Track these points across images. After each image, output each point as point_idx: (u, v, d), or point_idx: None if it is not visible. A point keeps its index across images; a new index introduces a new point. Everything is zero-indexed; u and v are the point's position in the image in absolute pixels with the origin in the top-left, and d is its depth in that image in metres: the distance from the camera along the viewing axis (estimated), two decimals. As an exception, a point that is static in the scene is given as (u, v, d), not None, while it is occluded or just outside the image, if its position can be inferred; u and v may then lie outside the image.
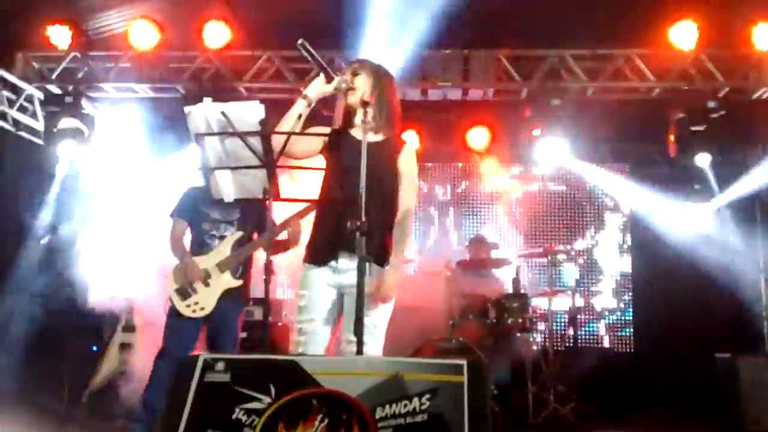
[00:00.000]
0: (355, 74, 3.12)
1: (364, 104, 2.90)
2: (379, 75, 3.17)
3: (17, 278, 6.35)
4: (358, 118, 3.12)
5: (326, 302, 3.08)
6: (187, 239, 4.47)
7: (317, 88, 3.06)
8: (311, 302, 3.08)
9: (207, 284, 4.21)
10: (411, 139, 7.35)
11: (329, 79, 3.03)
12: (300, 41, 2.87)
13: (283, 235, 4.18)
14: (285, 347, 6.51)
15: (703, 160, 6.38)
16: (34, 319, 6.50)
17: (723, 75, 6.34)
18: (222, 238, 4.28)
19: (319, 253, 3.11)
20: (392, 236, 3.10)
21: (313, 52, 2.91)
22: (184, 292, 4.21)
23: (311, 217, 3.37)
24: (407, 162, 3.17)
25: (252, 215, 4.32)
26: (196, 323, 4.24)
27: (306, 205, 3.87)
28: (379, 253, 3.02)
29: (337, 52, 6.43)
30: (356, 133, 3.13)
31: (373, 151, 2.85)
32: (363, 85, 3.10)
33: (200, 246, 4.31)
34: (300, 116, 3.01)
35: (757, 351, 6.66)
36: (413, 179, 3.19)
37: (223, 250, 4.26)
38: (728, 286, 6.90)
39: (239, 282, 4.25)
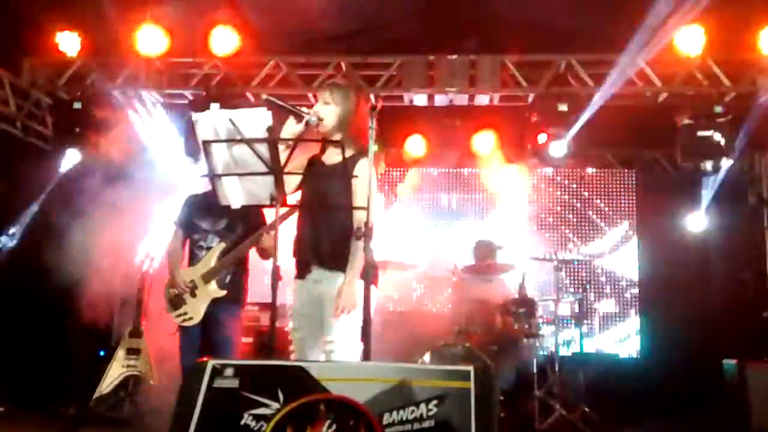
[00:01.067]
0: (326, 103, 3.27)
1: (373, 109, 2.98)
2: (347, 99, 3.29)
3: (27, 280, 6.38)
4: (334, 139, 3.24)
5: (310, 313, 3.21)
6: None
7: (289, 129, 3.18)
8: (296, 314, 3.29)
9: (194, 295, 4.28)
10: (417, 145, 7.42)
11: (299, 119, 3.17)
12: (264, 97, 3.05)
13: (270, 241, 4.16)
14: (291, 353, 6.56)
15: (709, 165, 6.36)
16: (45, 322, 6.54)
17: (730, 80, 6.32)
18: (209, 249, 4.34)
19: (298, 267, 3.30)
20: (348, 247, 3.10)
21: (278, 102, 3.13)
22: (174, 303, 4.32)
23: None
24: (358, 174, 3.17)
25: (239, 223, 4.33)
26: (194, 329, 4.29)
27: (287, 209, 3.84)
28: (329, 262, 3.17)
29: (343, 58, 6.45)
30: (326, 157, 3.29)
31: (331, 169, 3.13)
32: (332, 114, 3.25)
33: (192, 257, 4.40)
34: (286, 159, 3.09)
35: (764, 358, 6.62)
36: (365, 191, 3.05)
37: (208, 261, 4.31)
38: (735, 293, 6.88)
39: (223, 292, 4.28)
